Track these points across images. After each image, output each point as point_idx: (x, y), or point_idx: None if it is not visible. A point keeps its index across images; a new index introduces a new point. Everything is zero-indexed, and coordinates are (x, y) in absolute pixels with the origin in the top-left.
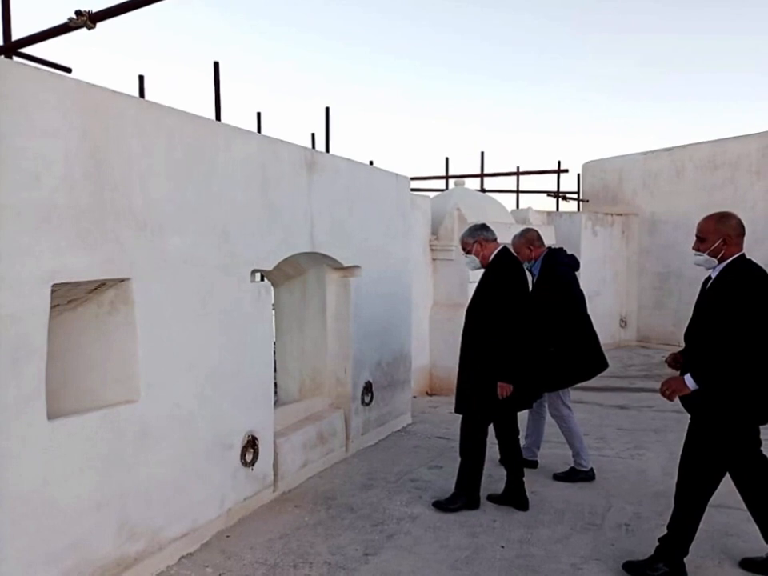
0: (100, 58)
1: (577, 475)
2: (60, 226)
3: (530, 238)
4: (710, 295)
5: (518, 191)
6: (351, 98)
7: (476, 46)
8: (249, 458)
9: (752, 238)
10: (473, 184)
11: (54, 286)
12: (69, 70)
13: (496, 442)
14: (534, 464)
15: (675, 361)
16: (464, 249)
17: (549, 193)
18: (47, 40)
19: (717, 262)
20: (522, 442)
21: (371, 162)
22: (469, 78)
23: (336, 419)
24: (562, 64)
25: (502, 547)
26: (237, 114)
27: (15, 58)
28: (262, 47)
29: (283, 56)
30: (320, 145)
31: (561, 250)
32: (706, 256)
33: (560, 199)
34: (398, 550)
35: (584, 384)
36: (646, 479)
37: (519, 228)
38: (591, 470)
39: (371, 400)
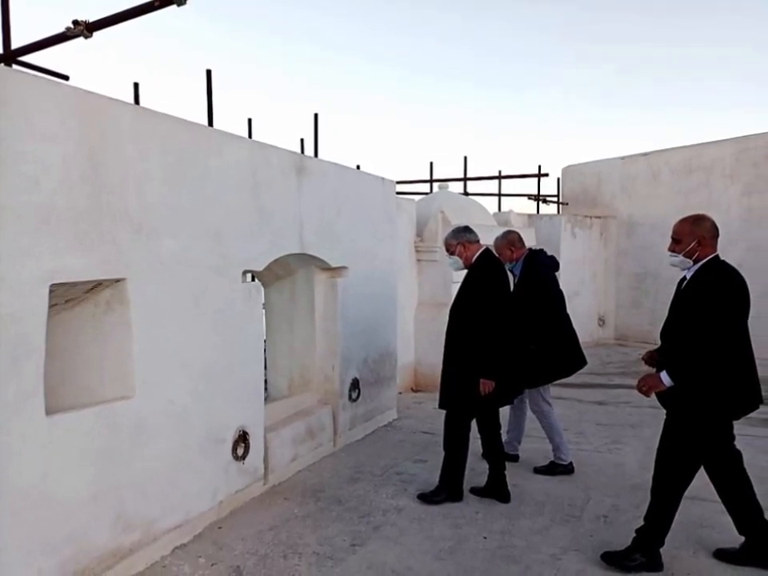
0: (96, 65)
1: (557, 469)
2: (58, 228)
3: (511, 239)
4: (684, 295)
5: (499, 194)
6: (339, 103)
7: (461, 53)
8: (240, 452)
9: (726, 239)
10: (456, 187)
11: (52, 286)
12: (66, 78)
13: (479, 436)
14: (515, 458)
15: (651, 358)
16: (448, 250)
17: (530, 196)
18: (45, 48)
19: (692, 262)
20: (504, 437)
21: (358, 167)
22: (453, 84)
23: (324, 415)
24: (543, 71)
25: (485, 538)
26: (229, 120)
27: (14, 66)
28: (253, 55)
29: (274, 63)
30: (309, 150)
31: (541, 251)
32: (681, 257)
33: (540, 202)
34: (384, 540)
35: (563, 381)
36: (623, 472)
37: (501, 230)
38: (570, 463)
39: (358, 396)
